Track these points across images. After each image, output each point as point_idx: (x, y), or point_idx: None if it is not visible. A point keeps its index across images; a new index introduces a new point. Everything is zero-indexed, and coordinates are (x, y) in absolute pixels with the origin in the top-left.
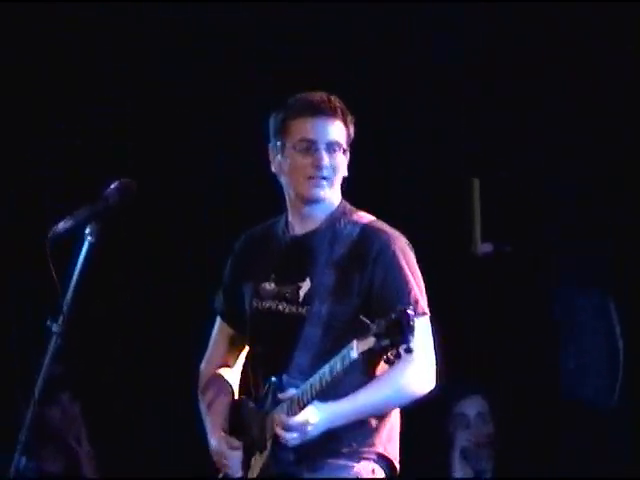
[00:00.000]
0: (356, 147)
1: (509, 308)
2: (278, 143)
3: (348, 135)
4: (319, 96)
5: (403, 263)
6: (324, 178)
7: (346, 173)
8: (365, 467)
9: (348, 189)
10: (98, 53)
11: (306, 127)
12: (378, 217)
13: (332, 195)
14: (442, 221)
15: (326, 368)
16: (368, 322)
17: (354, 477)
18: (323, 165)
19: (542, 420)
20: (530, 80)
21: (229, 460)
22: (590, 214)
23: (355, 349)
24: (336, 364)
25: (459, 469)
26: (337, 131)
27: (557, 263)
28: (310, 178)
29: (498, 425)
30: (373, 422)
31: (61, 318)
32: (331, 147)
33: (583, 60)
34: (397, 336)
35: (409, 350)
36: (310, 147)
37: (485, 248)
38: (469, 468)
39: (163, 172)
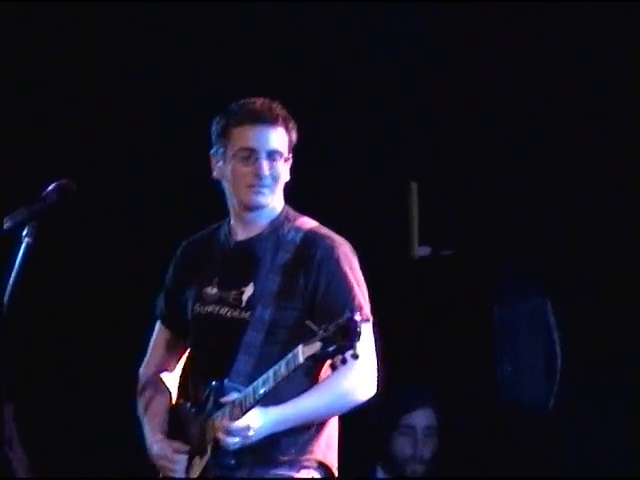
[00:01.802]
0: (295, 151)
1: (446, 311)
2: (220, 150)
3: (290, 141)
4: (260, 103)
5: (347, 269)
6: (265, 186)
7: (288, 178)
8: (304, 475)
9: (287, 193)
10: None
11: (247, 135)
12: (315, 219)
13: (273, 201)
14: (380, 224)
15: (270, 372)
16: (315, 327)
17: None
18: (263, 174)
19: (480, 426)
20: (467, 80)
21: (174, 464)
22: (529, 217)
23: (301, 354)
24: (280, 368)
25: (381, 471)
26: (278, 139)
27: (495, 267)
28: (251, 186)
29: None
30: (312, 429)
31: None
32: (272, 156)
33: (519, 55)
34: (344, 342)
35: (355, 356)
36: (250, 156)
37: (422, 251)
38: (395, 473)
39: (103, 173)
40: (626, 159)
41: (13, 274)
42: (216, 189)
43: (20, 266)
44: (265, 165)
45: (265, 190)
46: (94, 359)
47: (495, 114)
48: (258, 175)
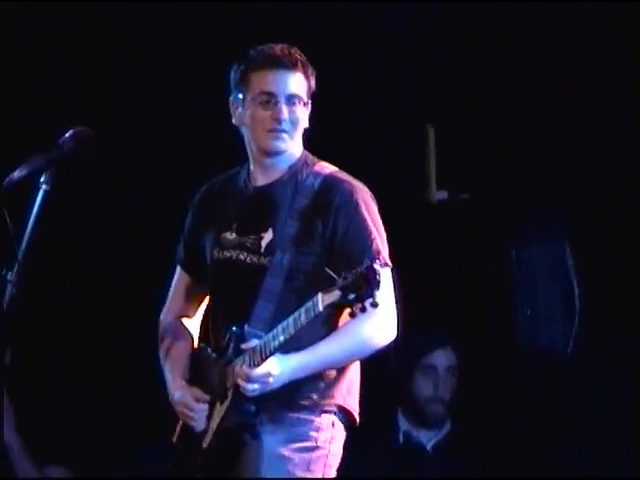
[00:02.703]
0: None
1: (464, 255)
2: (239, 95)
3: (309, 87)
4: (280, 48)
5: (366, 214)
6: (284, 131)
7: (307, 125)
8: (325, 420)
9: (306, 140)
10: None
11: (266, 80)
12: (332, 164)
13: (293, 147)
14: (397, 168)
15: (290, 320)
16: (334, 275)
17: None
18: (282, 118)
19: (500, 369)
20: (487, 32)
21: (194, 412)
22: (548, 160)
23: (320, 302)
24: (300, 316)
25: (403, 418)
26: (297, 84)
27: (512, 210)
28: (270, 131)
29: (460, 377)
30: (333, 374)
31: (16, 267)
32: (291, 100)
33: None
34: (363, 290)
35: (375, 304)
36: (270, 100)
37: (440, 195)
38: (417, 416)
39: (121, 121)
40: (626, 159)
41: (30, 222)
42: (236, 136)
43: (37, 214)
44: (284, 109)
45: (284, 135)
46: (115, 306)
47: (517, 60)
48: (277, 119)
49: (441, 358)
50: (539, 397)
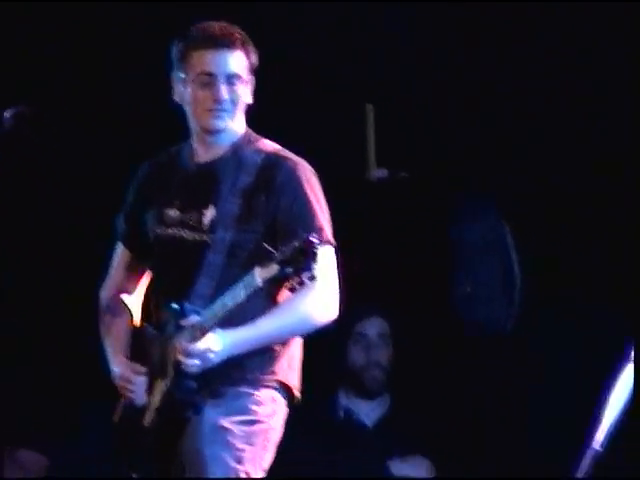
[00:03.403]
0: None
1: (403, 233)
2: (180, 74)
3: (250, 64)
4: (219, 27)
5: (309, 191)
6: (224, 110)
7: (250, 101)
8: (266, 394)
9: (248, 117)
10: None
11: (205, 60)
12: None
13: (234, 125)
14: (336, 146)
15: (229, 295)
16: (271, 250)
17: (255, 404)
18: (222, 98)
19: (438, 344)
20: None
21: (134, 385)
22: (487, 137)
23: (258, 276)
24: (239, 291)
25: (343, 394)
26: (237, 62)
27: (451, 189)
28: (210, 110)
29: (396, 348)
30: (274, 350)
31: None
32: (231, 80)
33: None
34: (300, 264)
35: (312, 278)
36: (210, 81)
37: (379, 174)
38: (356, 387)
39: (61, 98)
40: (626, 159)
41: None
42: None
43: None
44: (224, 89)
45: (224, 114)
46: (53, 282)
47: (455, 37)
48: (217, 100)
49: (373, 325)
50: (479, 373)
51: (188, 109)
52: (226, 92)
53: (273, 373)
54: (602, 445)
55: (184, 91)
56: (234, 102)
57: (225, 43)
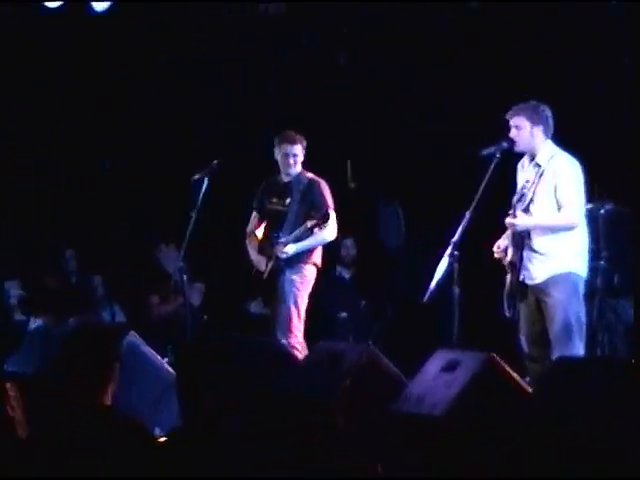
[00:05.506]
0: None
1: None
2: (276, 149)
3: (302, 148)
4: (291, 134)
5: (326, 194)
6: (292, 167)
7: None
8: (309, 269)
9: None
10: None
11: (285, 147)
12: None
13: (297, 170)
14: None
15: (296, 231)
16: (312, 215)
17: (305, 271)
18: (291, 164)
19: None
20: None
21: (258, 263)
22: (382, 133)
23: (308, 224)
24: (300, 230)
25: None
26: (297, 149)
27: (376, 188)
28: (287, 166)
29: None
30: (312, 251)
31: None
32: (295, 156)
33: None
34: (321, 220)
35: (325, 225)
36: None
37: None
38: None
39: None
40: (626, 159)
41: None
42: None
43: None
44: (291, 160)
45: (292, 170)
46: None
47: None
48: (289, 164)
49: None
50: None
51: (279, 162)
52: (293, 162)
53: (309, 259)
54: None
55: (277, 156)
56: (296, 163)
57: (292, 141)
